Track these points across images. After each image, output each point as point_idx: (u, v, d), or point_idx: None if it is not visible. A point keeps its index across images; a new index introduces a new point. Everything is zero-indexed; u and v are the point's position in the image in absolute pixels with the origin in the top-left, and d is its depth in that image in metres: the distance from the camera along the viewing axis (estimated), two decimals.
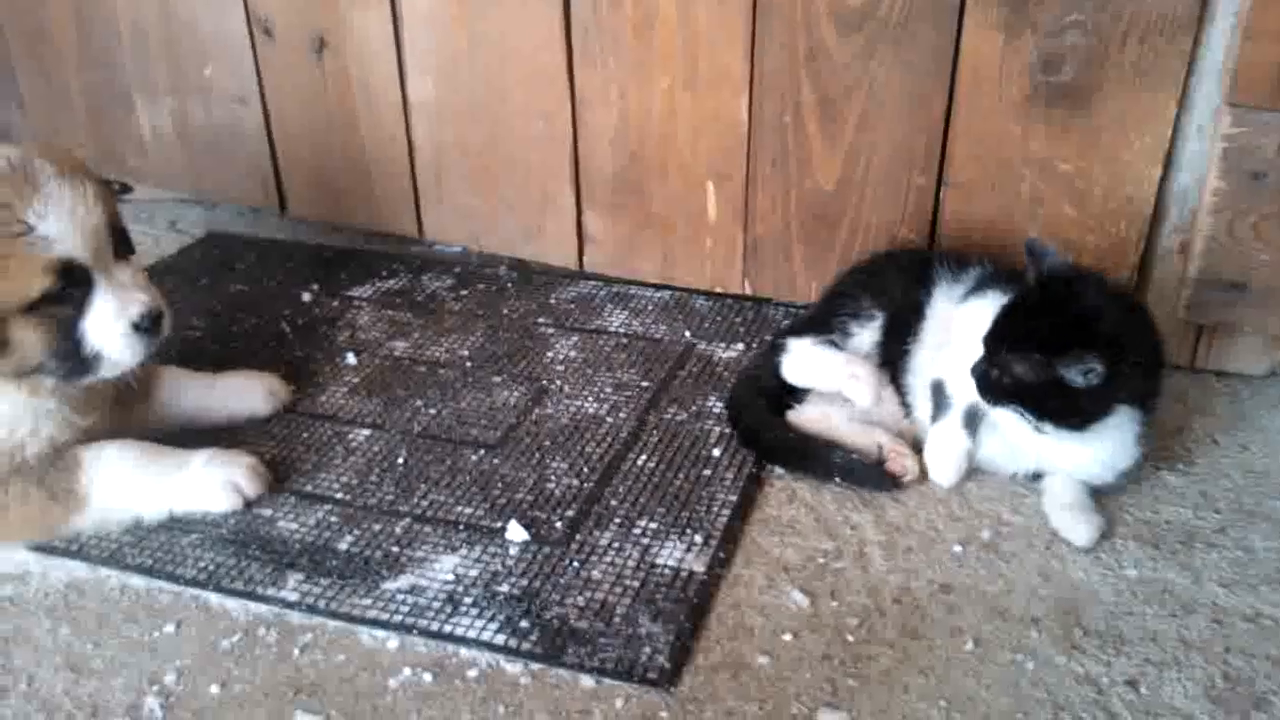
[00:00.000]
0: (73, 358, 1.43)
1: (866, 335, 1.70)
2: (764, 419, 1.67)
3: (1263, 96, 1.61)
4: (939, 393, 1.59)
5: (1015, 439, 1.52)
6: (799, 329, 1.75)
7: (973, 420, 1.55)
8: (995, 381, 1.46)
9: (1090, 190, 1.77)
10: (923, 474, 1.59)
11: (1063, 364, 1.38)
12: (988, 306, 1.53)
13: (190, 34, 2.26)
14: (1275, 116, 1.61)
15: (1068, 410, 1.43)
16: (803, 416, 1.68)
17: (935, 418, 1.59)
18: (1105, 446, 1.49)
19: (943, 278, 1.67)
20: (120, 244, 1.49)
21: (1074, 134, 1.74)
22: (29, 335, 1.40)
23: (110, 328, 1.43)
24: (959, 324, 1.60)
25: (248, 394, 1.73)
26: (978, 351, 1.49)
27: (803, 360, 1.70)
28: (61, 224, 1.39)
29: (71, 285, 1.40)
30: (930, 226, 1.90)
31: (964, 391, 1.54)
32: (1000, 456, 1.57)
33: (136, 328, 1.44)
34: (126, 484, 1.48)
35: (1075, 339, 1.39)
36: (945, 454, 1.57)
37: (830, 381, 1.66)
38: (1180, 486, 1.59)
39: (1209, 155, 1.68)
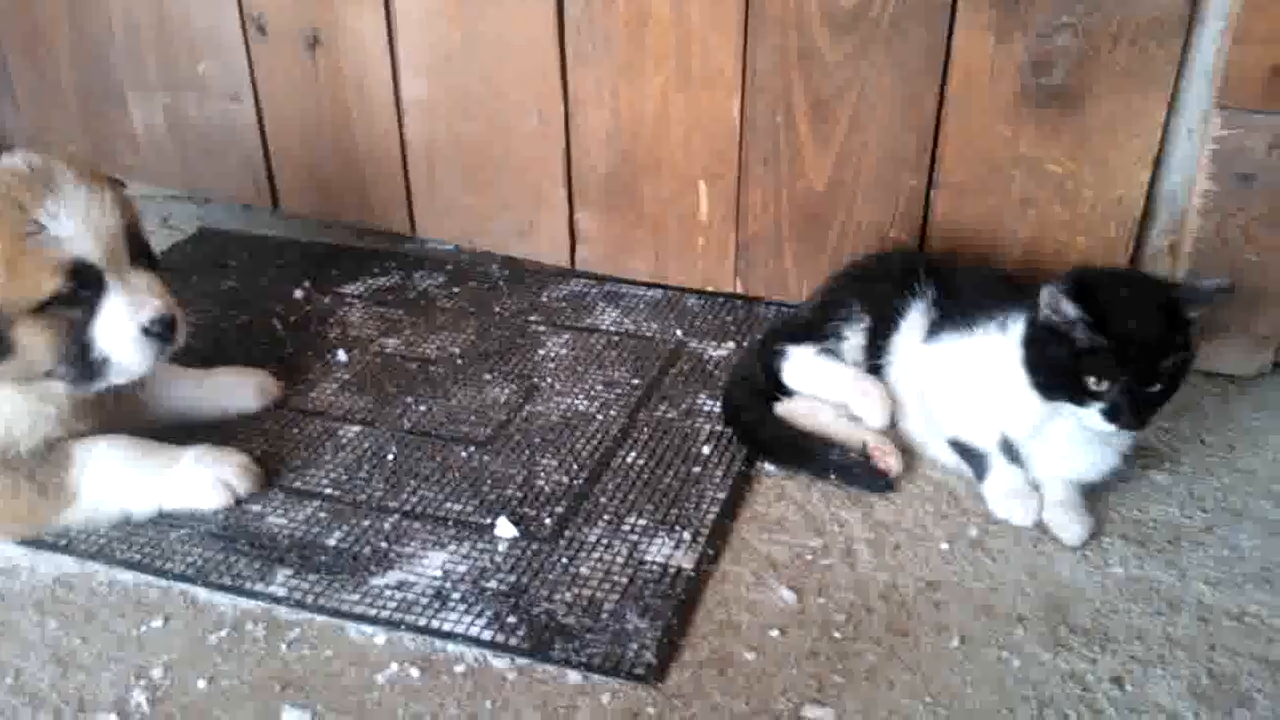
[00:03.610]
0: (81, 362, 1.42)
1: (855, 339, 1.70)
2: (761, 416, 1.68)
3: (1252, 99, 1.62)
4: (961, 449, 1.58)
5: (1056, 446, 1.51)
6: (795, 334, 1.74)
7: (1010, 450, 1.53)
8: (1152, 398, 1.41)
9: (1080, 191, 1.78)
10: (908, 471, 1.60)
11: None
12: (960, 348, 1.55)
13: (183, 31, 2.26)
14: (1264, 119, 1.62)
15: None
16: (790, 409, 1.68)
17: (979, 474, 1.56)
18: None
19: (921, 294, 1.67)
20: (139, 253, 1.48)
21: (1064, 135, 1.75)
22: (37, 338, 1.39)
23: (120, 331, 1.42)
24: (934, 367, 1.61)
25: (238, 390, 1.73)
26: (970, 391, 1.53)
27: (807, 370, 1.70)
28: (74, 224, 1.38)
29: (82, 287, 1.40)
30: (921, 227, 1.90)
31: (986, 434, 1.54)
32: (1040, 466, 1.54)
33: (147, 332, 1.43)
34: (117, 480, 1.48)
35: (1172, 295, 1.43)
36: (1012, 499, 1.51)
37: (838, 395, 1.66)
38: (1167, 485, 1.60)
39: (1198, 157, 1.69)
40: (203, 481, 1.52)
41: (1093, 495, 1.54)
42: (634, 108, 1.99)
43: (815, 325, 1.73)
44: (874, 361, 1.69)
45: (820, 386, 1.68)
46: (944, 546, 1.47)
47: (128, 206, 1.48)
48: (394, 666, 1.29)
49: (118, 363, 1.44)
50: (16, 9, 2.41)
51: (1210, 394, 1.81)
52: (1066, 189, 1.78)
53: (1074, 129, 1.74)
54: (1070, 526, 1.48)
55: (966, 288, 1.66)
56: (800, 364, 1.70)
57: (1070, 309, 1.39)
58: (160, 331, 1.45)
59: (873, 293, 1.72)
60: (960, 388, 1.56)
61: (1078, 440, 1.49)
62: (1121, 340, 1.38)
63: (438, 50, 2.08)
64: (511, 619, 1.34)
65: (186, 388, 1.69)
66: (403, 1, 2.06)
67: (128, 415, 1.59)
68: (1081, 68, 1.70)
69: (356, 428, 1.72)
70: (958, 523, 1.52)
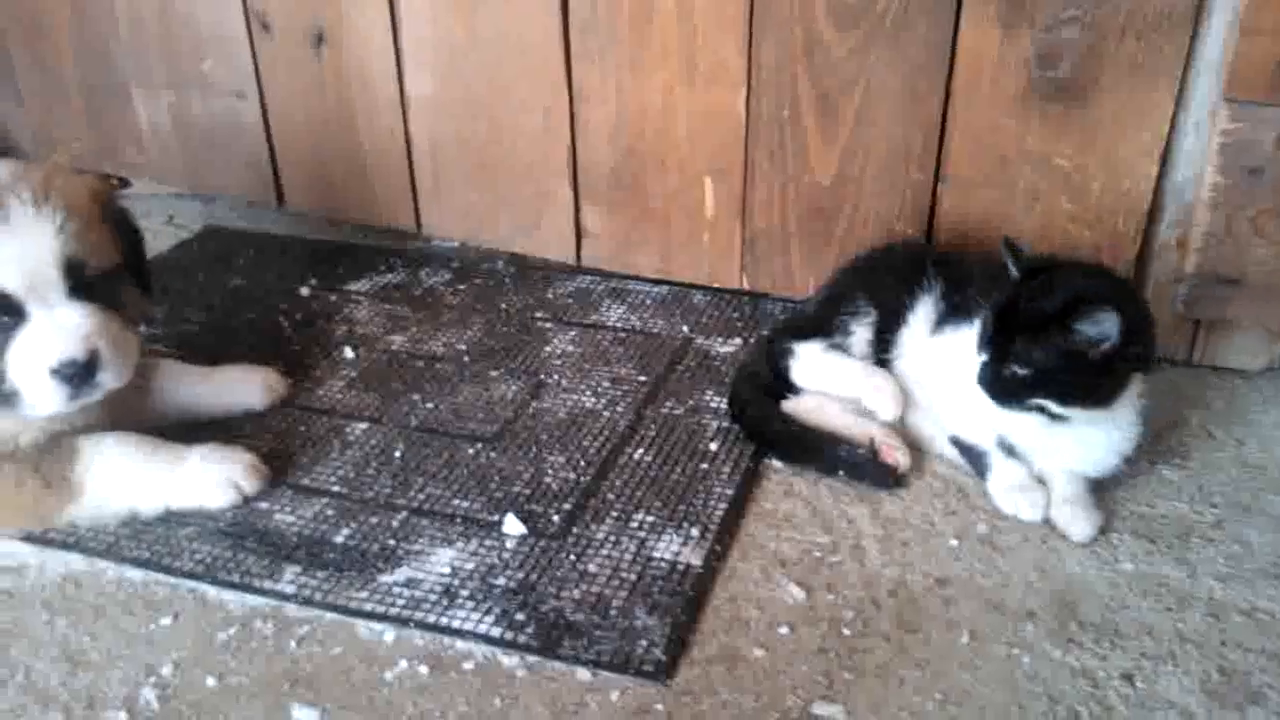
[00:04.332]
0: None
1: (863, 334, 1.70)
2: (768, 412, 1.67)
3: (1259, 91, 1.61)
4: (961, 446, 1.59)
5: (1033, 442, 1.51)
6: (802, 331, 1.74)
7: (1007, 446, 1.53)
8: (1010, 380, 1.43)
9: (1087, 185, 1.77)
10: (916, 468, 1.60)
11: (1080, 323, 1.37)
12: (959, 340, 1.54)
13: (188, 28, 2.26)
14: (1272, 112, 1.61)
15: (1091, 385, 1.42)
16: (798, 406, 1.67)
17: (980, 472, 1.56)
18: (1114, 424, 1.48)
19: (929, 288, 1.67)
20: (77, 285, 1.40)
21: (1071, 129, 1.74)
22: None
23: (27, 368, 1.38)
24: (936, 362, 1.60)
25: (245, 388, 1.73)
26: (963, 383, 1.51)
27: (815, 366, 1.69)
28: (5, 251, 1.34)
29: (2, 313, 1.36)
30: (928, 221, 1.90)
31: (984, 431, 1.54)
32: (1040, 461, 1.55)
33: (56, 374, 1.38)
34: (124, 476, 1.48)
35: (1083, 299, 1.39)
36: (1017, 494, 1.51)
37: (849, 390, 1.65)
38: (1177, 481, 1.59)
39: (1206, 150, 1.68)
40: (210, 480, 1.51)
41: (1101, 491, 1.53)
42: (639, 104, 1.99)
43: (822, 321, 1.73)
44: (882, 356, 1.68)
45: (830, 382, 1.67)
46: (953, 543, 1.47)
47: (84, 235, 1.41)
48: (403, 664, 1.29)
49: (24, 399, 1.40)
50: (20, 4, 2.41)
51: (1218, 388, 1.81)
52: (1074, 183, 1.78)
53: (1081, 123, 1.73)
54: (1078, 523, 1.47)
55: (973, 281, 1.65)
56: (808, 361, 1.69)
57: (1004, 250, 1.49)
58: (73, 375, 1.39)
59: (879, 286, 1.71)
60: (956, 381, 1.55)
61: (1068, 435, 1.48)
62: (1004, 304, 1.45)
63: (442, 47, 2.08)
64: (520, 616, 1.34)
65: (193, 385, 1.68)
66: None
67: (134, 412, 1.59)
68: (1088, 61, 1.69)
69: (364, 425, 1.72)
70: (966, 519, 1.51)
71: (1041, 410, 1.44)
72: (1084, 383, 1.42)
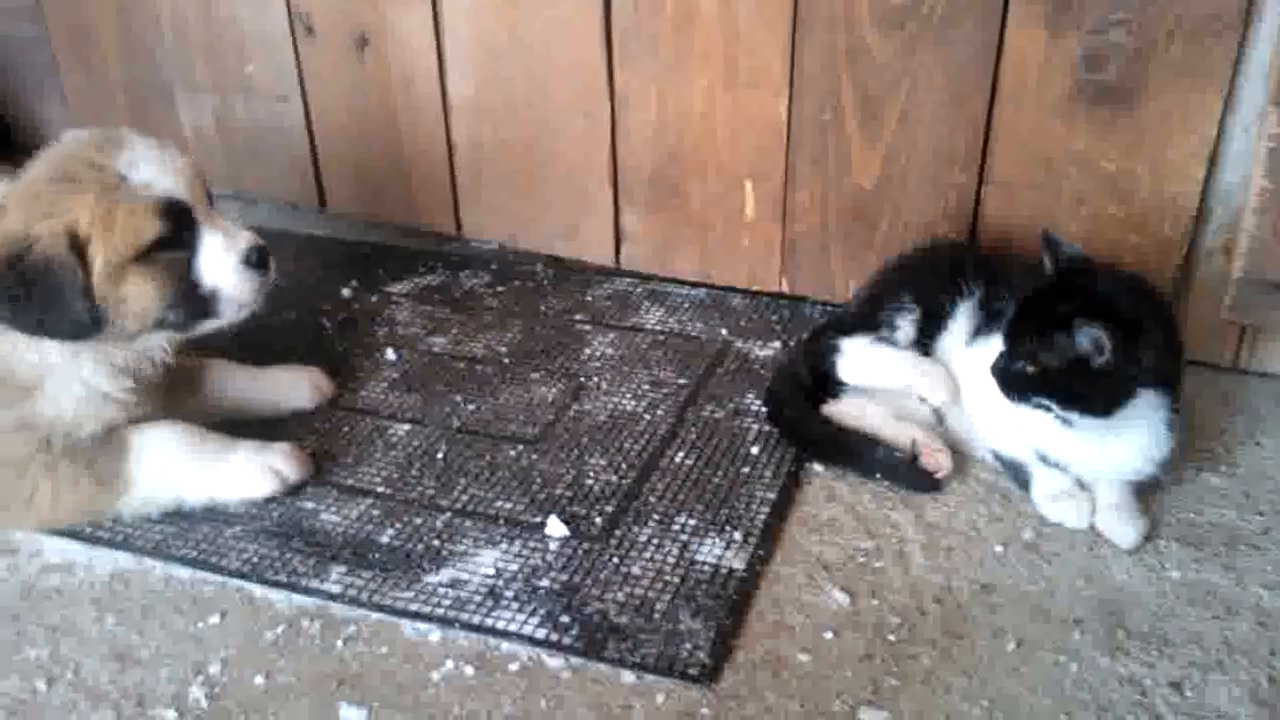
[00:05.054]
0: (191, 300, 1.48)
1: (907, 329, 1.69)
2: (805, 414, 1.67)
3: None
4: (1001, 459, 1.58)
5: (1049, 443, 1.50)
6: (847, 327, 1.72)
7: (1041, 454, 1.53)
8: (1019, 375, 1.44)
9: (1134, 189, 1.75)
10: (959, 473, 1.59)
11: (1075, 334, 1.37)
12: (992, 353, 1.52)
13: (231, 31, 2.29)
14: None
15: (1092, 394, 1.41)
16: (839, 410, 1.67)
17: (1023, 483, 1.55)
18: (1137, 435, 1.46)
19: (969, 294, 1.66)
20: (210, 200, 1.54)
21: (1118, 133, 1.73)
22: (146, 284, 1.44)
23: (223, 262, 1.48)
24: (971, 373, 1.59)
25: (293, 388, 1.75)
26: (991, 391, 1.50)
27: (862, 359, 1.67)
28: (156, 169, 1.45)
29: (179, 226, 1.45)
30: (971, 225, 1.89)
31: (1021, 443, 1.54)
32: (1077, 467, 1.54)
33: (247, 262, 1.49)
34: (172, 468, 1.50)
35: (1083, 315, 1.38)
36: (1062, 501, 1.50)
37: (898, 380, 1.64)
38: (1223, 488, 1.58)
39: (1254, 155, 1.66)
40: (252, 469, 1.53)
41: (1147, 498, 1.52)
42: (680, 107, 1.99)
43: (867, 316, 1.71)
44: (924, 354, 1.67)
45: (878, 374, 1.65)
46: (998, 549, 1.46)
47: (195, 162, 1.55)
48: (449, 664, 1.30)
49: (226, 294, 1.49)
50: (66, 7, 2.44)
51: (1264, 394, 1.79)
52: (1120, 187, 1.76)
53: (1128, 126, 1.72)
54: (1123, 529, 1.46)
55: (1011, 289, 1.63)
56: (855, 354, 1.67)
57: (1043, 244, 1.51)
58: (257, 261, 1.51)
59: (923, 285, 1.70)
60: (991, 394, 1.53)
61: (1088, 441, 1.47)
62: (1029, 299, 1.47)
63: (485, 51, 2.09)
64: (564, 618, 1.34)
65: (244, 385, 1.71)
66: (450, 2, 2.07)
67: (185, 411, 1.60)
68: (1136, 64, 1.68)
69: (406, 426, 1.73)
70: (1012, 525, 1.50)
71: (1047, 409, 1.44)
72: (1085, 390, 1.41)
